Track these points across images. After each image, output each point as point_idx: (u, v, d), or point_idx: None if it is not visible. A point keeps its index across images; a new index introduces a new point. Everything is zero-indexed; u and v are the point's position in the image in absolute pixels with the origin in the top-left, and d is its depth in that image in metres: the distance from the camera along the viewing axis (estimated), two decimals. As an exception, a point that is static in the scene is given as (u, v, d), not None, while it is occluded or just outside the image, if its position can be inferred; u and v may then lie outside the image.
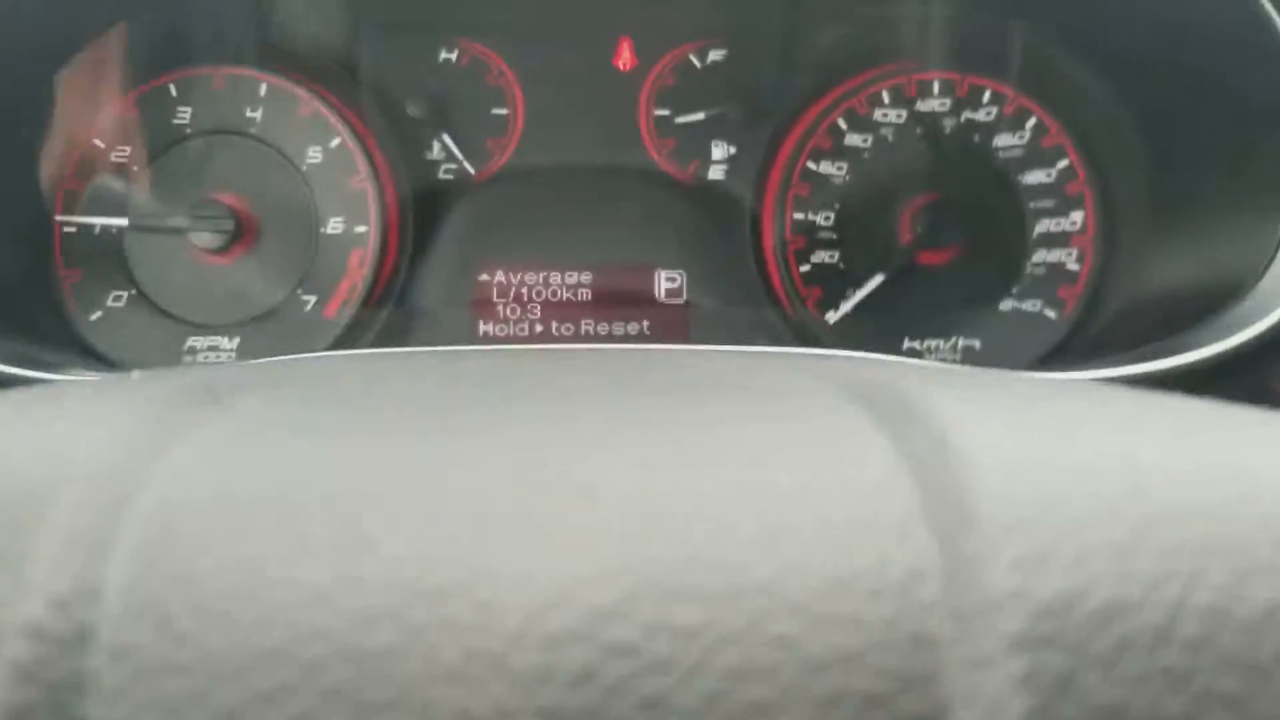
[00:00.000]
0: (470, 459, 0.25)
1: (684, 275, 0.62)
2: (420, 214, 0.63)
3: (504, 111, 0.64)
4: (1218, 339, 0.50)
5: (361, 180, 0.62)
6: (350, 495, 0.24)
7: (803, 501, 0.23)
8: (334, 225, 0.62)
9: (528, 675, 0.22)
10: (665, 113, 0.64)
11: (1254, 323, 0.49)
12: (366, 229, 0.62)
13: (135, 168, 0.62)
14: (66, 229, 0.62)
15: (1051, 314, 0.62)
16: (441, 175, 0.64)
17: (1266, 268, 0.50)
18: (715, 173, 0.64)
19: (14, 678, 0.22)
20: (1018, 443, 0.25)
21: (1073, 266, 0.63)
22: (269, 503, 0.24)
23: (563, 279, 0.62)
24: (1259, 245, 0.51)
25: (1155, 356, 0.50)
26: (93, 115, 0.61)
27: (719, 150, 0.64)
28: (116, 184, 0.61)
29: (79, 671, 0.22)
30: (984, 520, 0.23)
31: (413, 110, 0.63)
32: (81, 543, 0.23)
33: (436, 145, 0.64)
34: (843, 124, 0.63)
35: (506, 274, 0.62)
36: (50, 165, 0.61)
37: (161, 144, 0.62)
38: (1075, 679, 0.22)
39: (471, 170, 0.64)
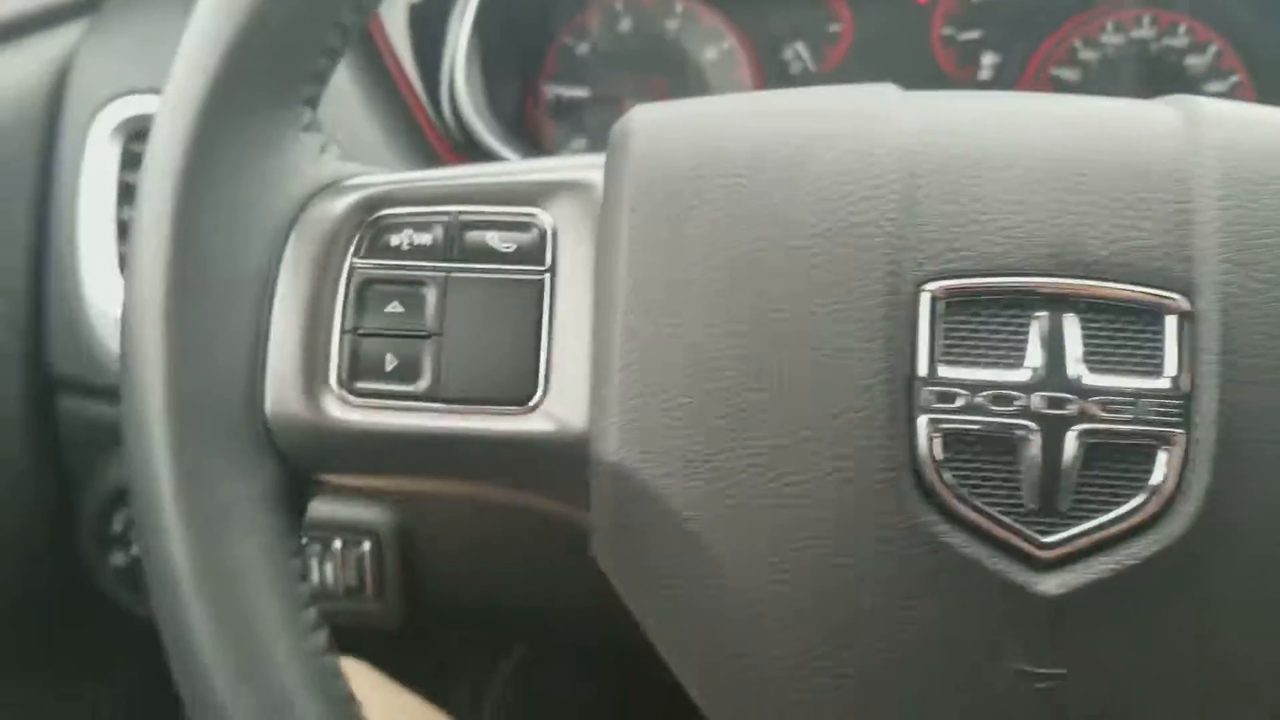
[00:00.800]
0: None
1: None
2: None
3: (837, 28, 0.92)
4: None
5: (743, 71, 0.91)
6: None
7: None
8: (723, 101, 0.91)
9: None
10: (949, 31, 0.92)
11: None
12: (746, 104, 0.91)
13: (593, 58, 0.92)
14: (548, 97, 0.92)
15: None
16: (793, 70, 0.93)
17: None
18: (985, 74, 0.92)
19: None
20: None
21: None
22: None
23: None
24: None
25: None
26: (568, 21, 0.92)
27: (988, 58, 0.92)
28: (581, 68, 0.92)
29: None
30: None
31: (775, 24, 0.92)
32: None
33: (789, 50, 0.92)
34: (1078, 44, 0.90)
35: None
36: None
37: (610, 43, 0.92)
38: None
39: (813, 67, 0.92)
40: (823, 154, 0.41)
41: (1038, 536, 0.38)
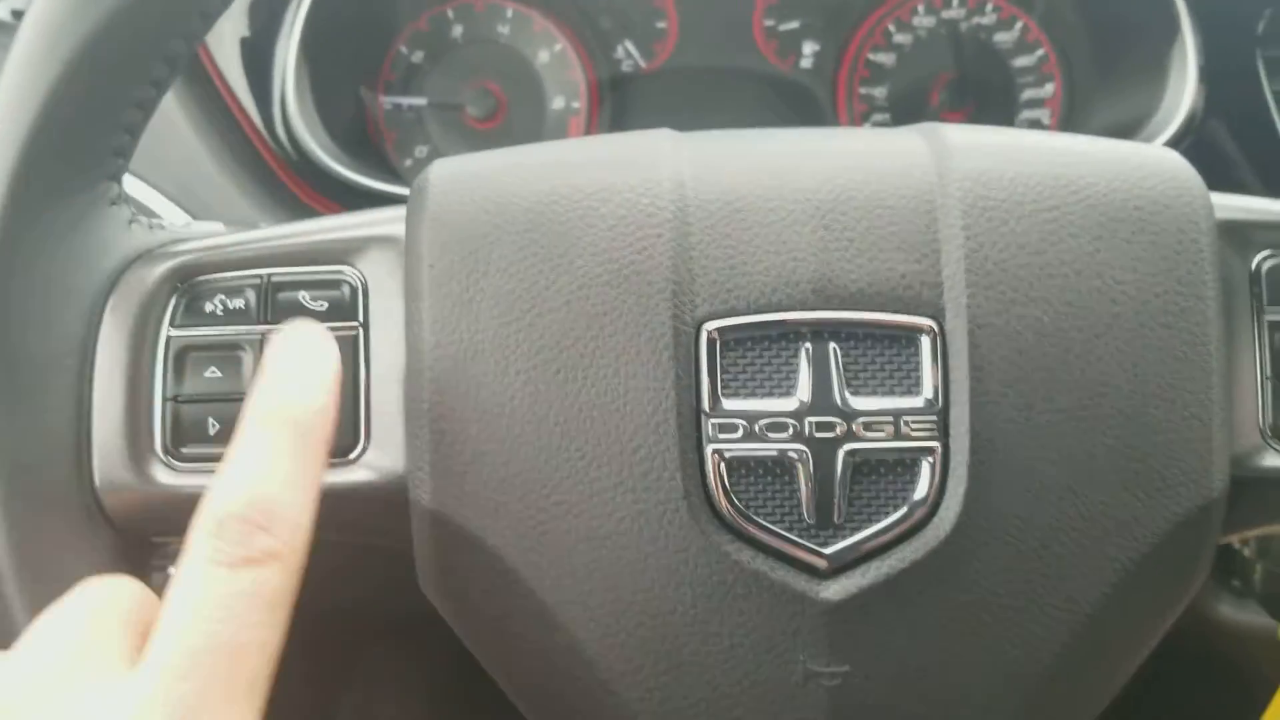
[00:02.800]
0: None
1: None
2: (611, 95, 0.95)
3: (664, 25, 0.95)
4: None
5: (575, 73, 0.93)
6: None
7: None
8: (557, 103, 0.94)
9: None
10: (771, 23, 0.95)
11: (1155, 139, 0.82)
12: (579, 105, 0.94)
13: (429, 66, 0.94)
14: (387, 106, 0.94)
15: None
16: (624, 69, 0.95)
17: (1159, 104, 0.83)
18: (806, 63, 0.95)
19: None
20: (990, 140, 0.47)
21: (1046, 121, 0.94)
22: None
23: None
24: (1156, 91, 0.84)
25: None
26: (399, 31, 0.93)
27: (808, 47, 0.95)
28: (419, 77, 0.93)
29: None
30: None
31: (605, 24, 0.94)
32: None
33: (620, 48, 0.95)
34: (892, 27, 0.94)
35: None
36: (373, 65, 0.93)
37: (444, 50, 0.94)
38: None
39: (643, 64, 0.95)
40: (601, 206, 0.44)
41: (817, 548, 0.42)
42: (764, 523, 0.42)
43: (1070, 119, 0.93)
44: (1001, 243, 0.43)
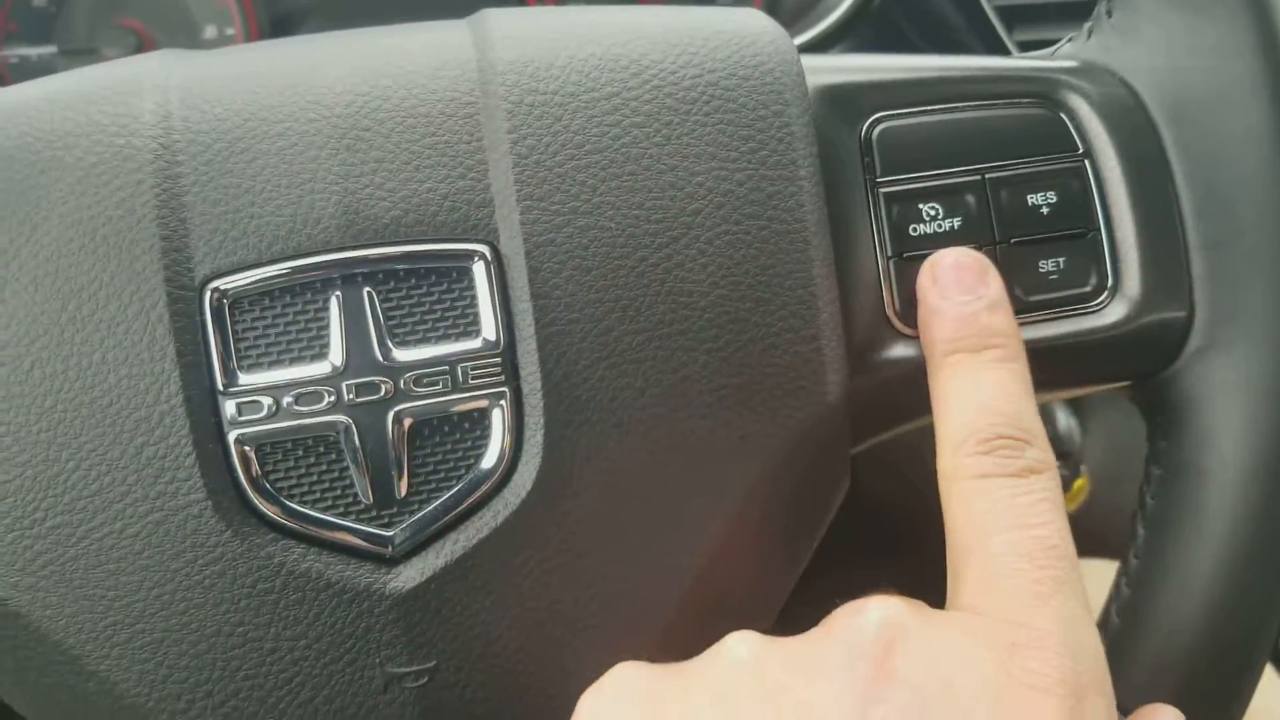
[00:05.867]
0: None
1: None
2: (266, 15, 0.85)
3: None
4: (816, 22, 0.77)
5: (224, -4, 0.84)
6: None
7: None
8: (209, 32, 0.84)
9: None
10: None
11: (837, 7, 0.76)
12: (235, 30, 0.84)
13: (54, 9, 0.83)
14: (11, 60, 0.83)
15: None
16: (281, -14, 0.86)
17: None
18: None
19: None
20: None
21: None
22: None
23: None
24: None
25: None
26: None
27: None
28: (45, 23, 0.83)
29: None
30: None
31: (252, -62, 0.85)
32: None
33: (277, -38, 0.85)
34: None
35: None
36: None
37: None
38: None
39: (302, -21, 0.86)
40: (66, 154, 0.36)
41: (379, 532, 0.35)
42: (310, 512, 0.35)
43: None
44: (556, 144, 0.36)
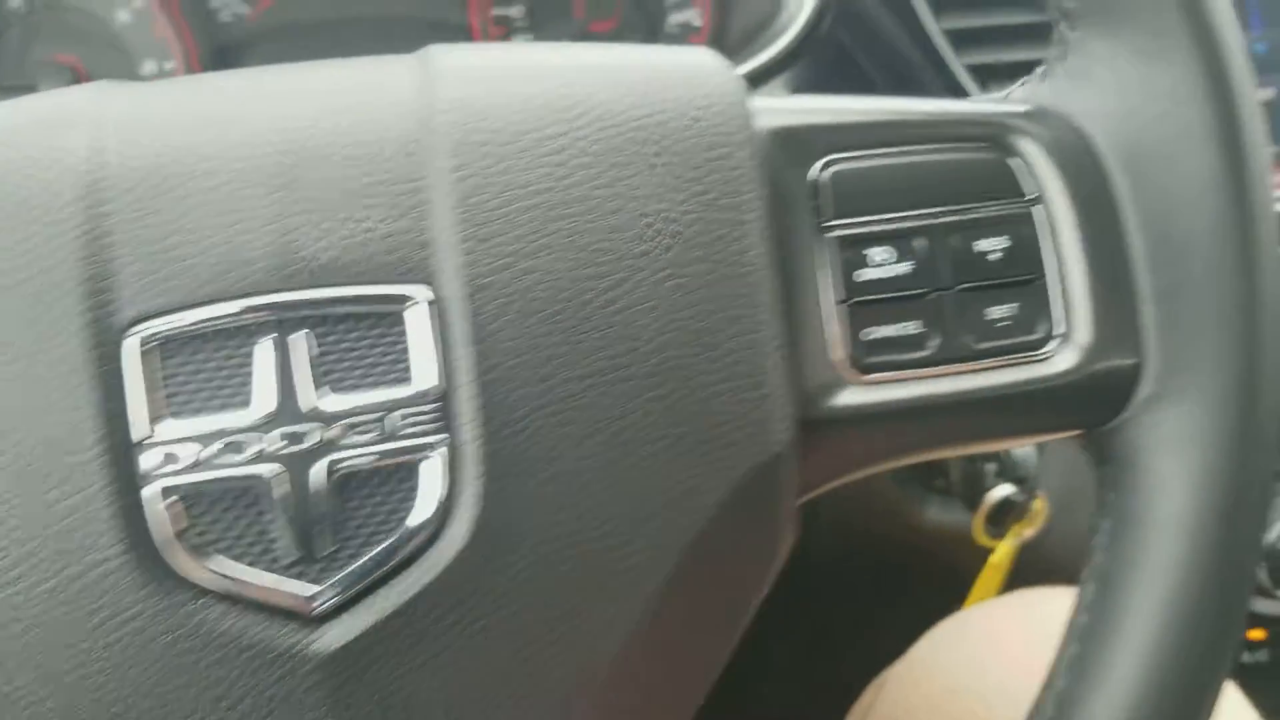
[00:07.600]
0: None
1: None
2: (208, 47, 0.84)
3: (262, -34, 0.84)
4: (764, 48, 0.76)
5: (164, 29, 0.82)
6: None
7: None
8: (148, 67, 0.82)
9: None
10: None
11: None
12: (175, 65, 0.82)
13: (-14, 44, 0.81)
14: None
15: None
16: (222, 19, 0.84)
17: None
18: None
19: None
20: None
21: (697, 23, 0.87)
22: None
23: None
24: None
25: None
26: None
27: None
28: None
29: None
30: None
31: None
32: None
33: (216, -3, 0.84)
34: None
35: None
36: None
37: (6, 21, 0.81)
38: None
39: (246, 11, 0.84)
40: None
41: (303, 590, 0.34)
42: (231, 568, 0.33)
43: (723, 20, 0.87)
44: (499, 184, 0.35)
